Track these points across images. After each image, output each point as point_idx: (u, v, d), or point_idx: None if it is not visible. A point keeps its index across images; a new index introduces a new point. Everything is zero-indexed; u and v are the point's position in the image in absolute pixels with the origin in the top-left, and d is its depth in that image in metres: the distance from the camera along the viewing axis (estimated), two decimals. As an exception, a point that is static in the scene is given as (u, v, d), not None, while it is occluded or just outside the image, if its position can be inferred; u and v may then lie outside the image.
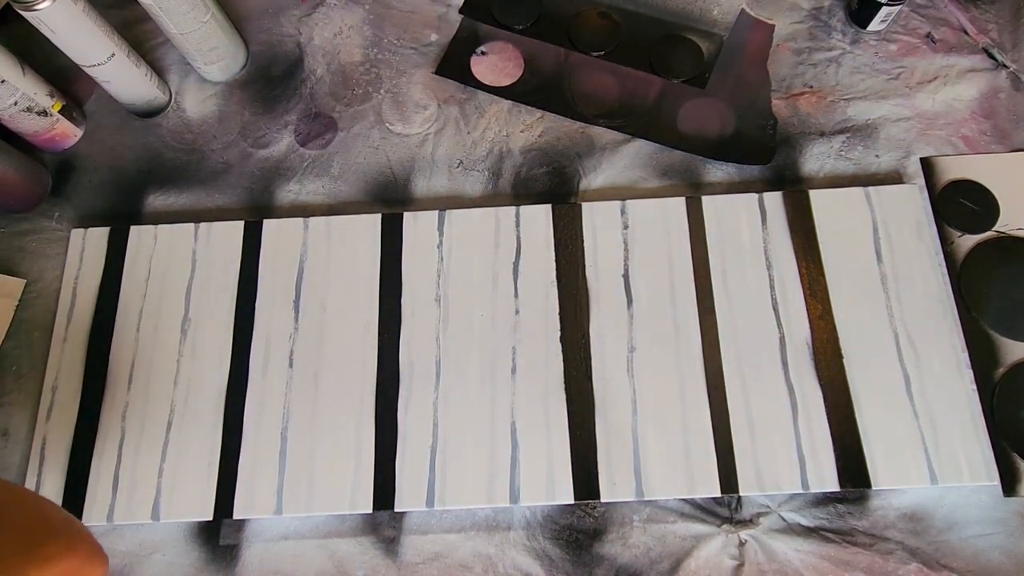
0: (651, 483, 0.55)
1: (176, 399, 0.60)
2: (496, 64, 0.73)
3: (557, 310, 0.61)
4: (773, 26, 0.72)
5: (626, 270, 0.62)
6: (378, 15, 0.76)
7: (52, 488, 0.58)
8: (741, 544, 0.55)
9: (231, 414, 0.59)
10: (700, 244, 0.62)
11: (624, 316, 0.60)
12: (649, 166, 0.68)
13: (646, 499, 0.55)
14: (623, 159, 0.68)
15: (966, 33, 0.71)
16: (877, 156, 0.67)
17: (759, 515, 0.56)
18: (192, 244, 0.64)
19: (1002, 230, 0.63)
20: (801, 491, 0.55)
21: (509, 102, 0.71)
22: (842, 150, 0.67)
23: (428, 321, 0.61)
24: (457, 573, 0.56)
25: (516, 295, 0.62)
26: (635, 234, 0.63)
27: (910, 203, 0.63)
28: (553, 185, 0.67)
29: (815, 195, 0.63)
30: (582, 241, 0.63)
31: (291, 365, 0.60)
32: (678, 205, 0.64)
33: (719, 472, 0.55)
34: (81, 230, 0.65)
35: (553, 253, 0.63)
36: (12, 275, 0.65)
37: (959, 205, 0.64)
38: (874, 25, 0.70)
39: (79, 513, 0.56)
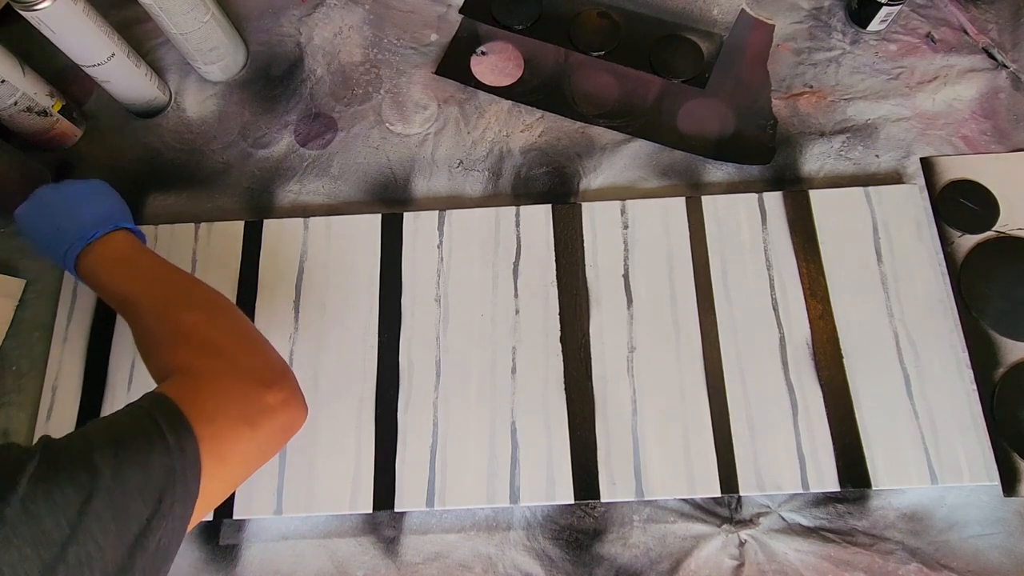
0: (651, 483, 0.55)
1: (176, 399, 0.59)
2: (496, 64, 0.73)
3: (557, 310, 0.61)
4: (773, 26, 0.72)
5: (626, 270, 0.62)
6: (378, 15, 0.76)
7: (52, 488, 0.58)
8: (741, 544, 0.55)
9: (231, 414, 0.59)
10: (700, 244, 0.62)
11: (624, 316, 0.60)
12: (649, 166, 0.68)
13: (646, 499, 0.55)
14: (623, 159, 0.68)
15: (966, 33, 0.71)
16: (877, 156, 0.67)
17: (759, 515, 0.56)
18: (192, 244, 0.64)
19: (1002, 230, 0.63)
20: (801, 491, 0.55)
21: (509, 102, 0.71)
22: (842, 150, 0.67)
23: (428, 321, 0.61)
24: (457, 573, 0.56)
25: (516, 295, 0.62)
26: (635, 234, 0.63)
27: (910, 203, 0.63)
28: (553, 185, 0.67)
29: (815, 195, 0.63)
30: (582, 241, 0.63)
31: (291, 365, 0.60)
32: (678, 205, 0.64)
33: (719, 472, 0.55)
34: (81, 230, 0.65)
35: (553, 253, 0.63)
36: (12, 275, 0.65)
37: (959, 205, 0.64)
38: (874, 25, 0.70)
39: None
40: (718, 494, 0.55)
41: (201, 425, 0.38)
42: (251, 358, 0.46)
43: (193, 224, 0.65)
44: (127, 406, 0.39)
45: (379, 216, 0.65)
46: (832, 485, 0.55)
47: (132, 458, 0.35)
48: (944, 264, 0.62)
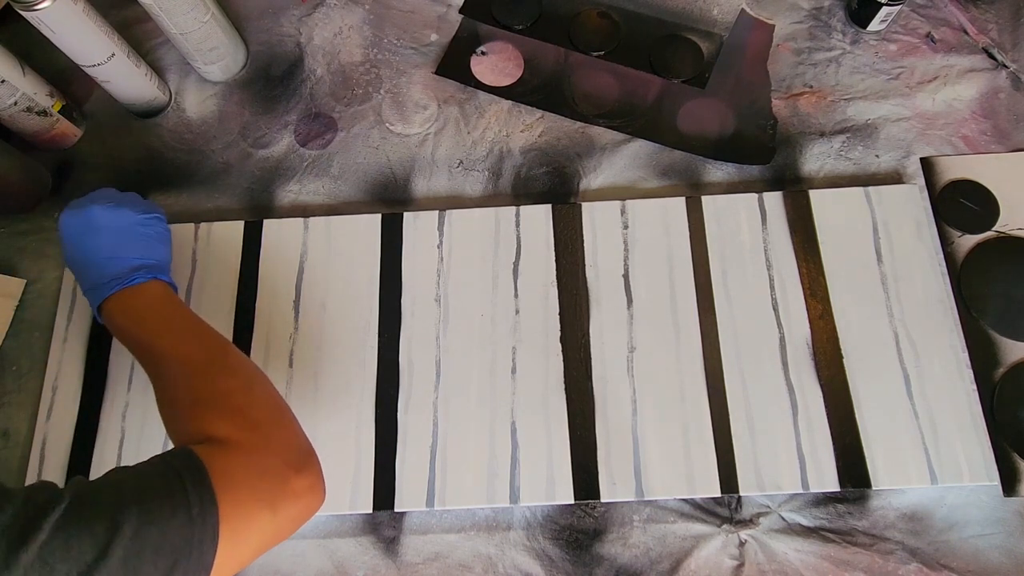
0: (651, 483, 0.55)
1: (176, 399, 0.59)
2: (496, 64, 0.73)
3: (557, 310, 0.61)
4: (773, 26, 0.72)
5: (626, 270, 0.62)
6: (378, 15, 0.76)
7: (52, 488, 0.58)
8: (741, 544, 0.55)
9: (231, 414, 0.59)
10: (700, 244, 0.62)
11: (624, 316, 0.60)
12: (649, 166, 0.68)
13: (646, 499, 0.55)
14: (623, 159, 0.68)
15: (966, 33, 0.71)
16: (877, 156, 0.67)
17: (759, 515, 0.56)
18: (192, 244, 0.64)
19: (1002, 230, 0.63)
20: (801, 491, 0.55)
21: (509, 102, 0.71)
22: (842, 150, 0.67)
23: (428, 321, 0.61)
24: (457, 573, 0.56)
25: (516, 295, 0.62)
26: (635, 234, 0.63)
27: (910, 203, 0.63)
28: (553, 185, 0.67)
29: (815, 195, 0.63)
30: (582, 241, 0.63)
31: (291, 365, 0.60)
32: (678, 205, 0.64)
33: (719, 472, 0.55)
34: (81, 230, 0.65)
35: (553, 253, 0.63)
36: (12, 275, 0.65)
37: (959, 205, 0.64)
38: (874, 25, 0.70)
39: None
40: (718, 494, 0.55)
41: (226, 499, 0.38)
42: (285, 437, 0.45)
43: (193, 224, 0.65)
44: (160, 458, 0.39)
45: (379, 216, 0.65)
46: (832, 485, 0.55)
47: (154, 520, 0.35)
48: (944, 264, 0.62)
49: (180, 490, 0.37)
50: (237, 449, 0.42)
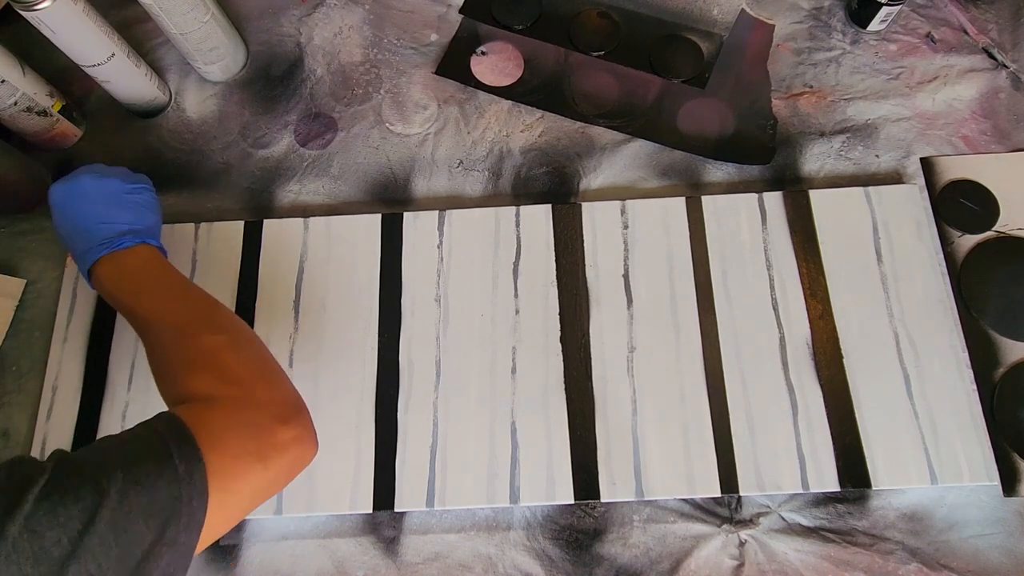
0: (651, 483, 0.55)
1: (176, 399, 0.59)
2: (496, 64, 0.73)
3: (557, 310, 0.61)
4: (773, 26, 0.72)
5: (626, 270, 0.62)
6: (378, 15, 0.76)
7: (52, 488, 0.57)
8: (741, 544, 0.55)
9: (231, 414, 0.59)
10: (700, 244, 0.62)
11: (624, 316, 0.60)
12: (649, 166, 0.68)
13: (646, 499, 0.55)
14: (623, 159, 0.68)
15: (966, 33, 0.71)
16: (877, 156, 0.67)
17: (759, 515, 0.56)
18: (192, 244, 0.64)
19: (1002, 230, 0.63)
20: (801, 491, 0.55)
21: (509, 102, 0.71)
22: (842, 150, 0.67)
23: (428, 321, 0.61)
24: (457, 573, 0.56)
25: (516, 295, 0.62)
26: (635, 234, 0.63)
27: (910, 203, 0.63)
28: (553, 185, 0.67)
29: (815, 195, 0.63)
30: (582, 241, 0.63)
31: (291, 365, 0.60)
32: (678, 205, 0.64)
33: (719, 472, 0.55)
34: (81, 230, 0.65)
35: (553, 253, 0.63)
36: (12, 275, 0.65)
37: (959, 205, 0.64)
38: (874, 25, 0.70)
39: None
40: (718, 494, 0.55)
41: (213, 455, 0.38)
42: (269, 391, 0.45)
43: (193, 224, 0.65)
44: (141, 425, 0.39)
45: (379, 216, 0.65)
46: (832, 485, 0.55)
47: (140, 481, 0.35)
48: (944, 264, 0.62)
49: (164, 451, 0.37)
50: (221, 405, 0.42)
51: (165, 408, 0.43)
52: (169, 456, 0.37)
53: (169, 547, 0.35)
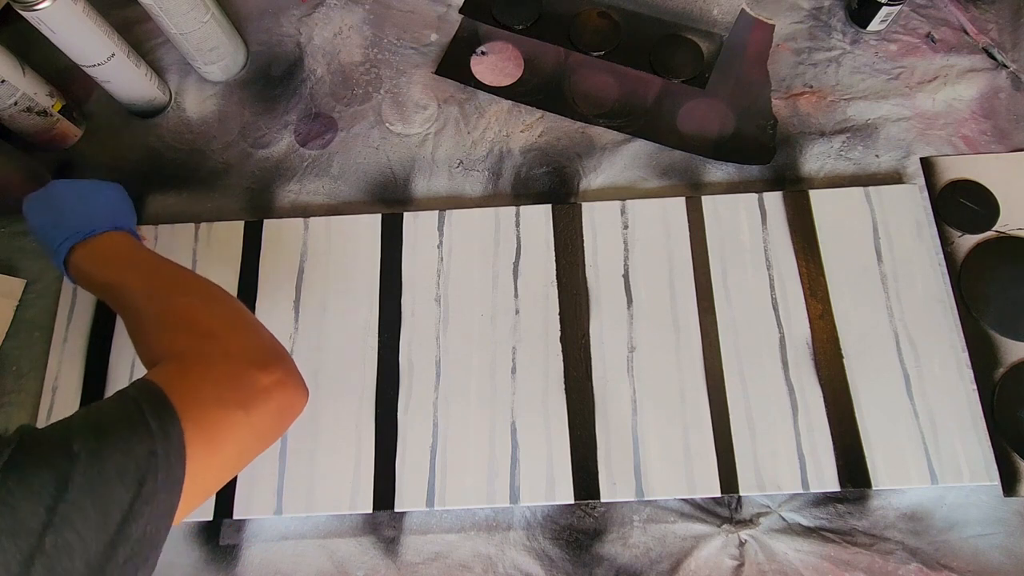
0: (651, 483, 0.55)
1: (176, 399, 0.59)
2: (496, 64, 0.73)
3: (557, 310, 0.61)
4: (773, 26, 0.72)
5: (626, 270, 0.62)
6: (378, 15, 0.76)
7: (52, 488, 0.57)
8: (741, 544, 0.55)
9: (231, 414, 0.59)
10: (700, 244, 0.62)
11: (624, 316, 0.60)
12: (649, 166, 0.68)
13: (646, 499, 0.55)
14: (623, 159, 0.68)
15: (966, 33, 0.71)
16: (877, 156, 0.67)
17: (759, 515, 0.56)
18: (192, 244, 0.64)
19: (1002, 230, 0.63)
20: (801, 491, 0.55)
21: (509, 102, 0.71)
22: (842, 150, 0.67)
23: (428, 321, 0.61)
24: (457, 573, 0.56)
25: (516, 295, 0.62)
26: (635, 234, 0.63)
27: (910, 203, 0.63)
28: (553, 185, 0.67)
29: (815, 195, 0.63)
30: (582, 241, 0.63)
31: (291, 365, 0.60)
32: (678, 205, 0.64)
33: (719, 472, 0.55)
34: (81, 230, 0.65)
35: (553, 253, 0.63)
36: (12, 275, 0.65)
37: (959, 205, 0.64)
38: (874, 25, 0.70)
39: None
40: (718, 494, 0.55)
41: (188, 409, 0.38)
42: (244, 340, 0.44)
43: (193, 224, 0.65)
44: (115, 393, 0.39)
45: (379, 216, 0.65)
46: (832, 485, 0.55)
47: (112, 443, 0.34)
48: (944, 264, 0.62)
49: (136, 411, 0.36)
50: (193, 359, 0.41)
51: None
52: (141, 413, 0.36)
53: (148, 504, 0.34)
